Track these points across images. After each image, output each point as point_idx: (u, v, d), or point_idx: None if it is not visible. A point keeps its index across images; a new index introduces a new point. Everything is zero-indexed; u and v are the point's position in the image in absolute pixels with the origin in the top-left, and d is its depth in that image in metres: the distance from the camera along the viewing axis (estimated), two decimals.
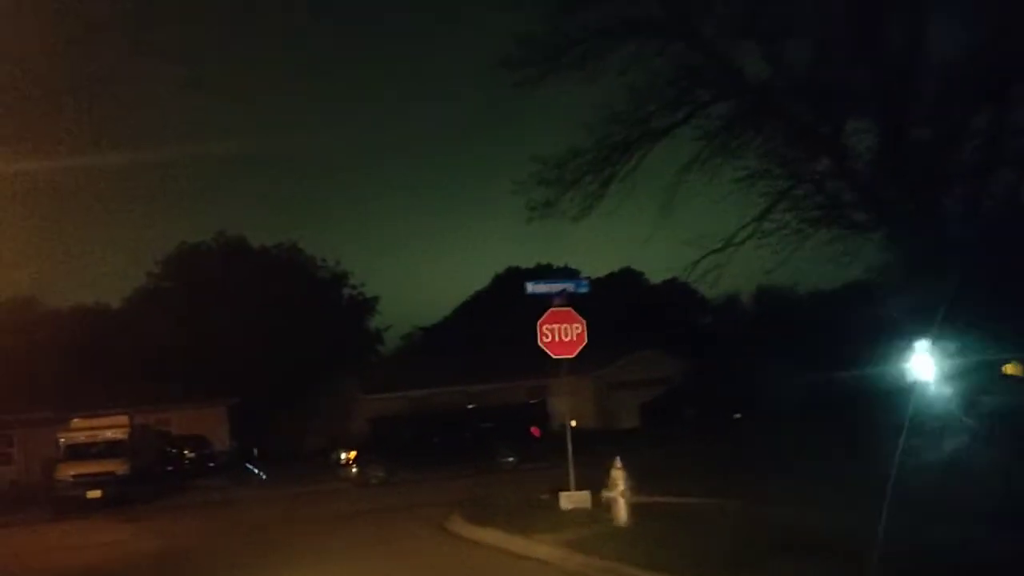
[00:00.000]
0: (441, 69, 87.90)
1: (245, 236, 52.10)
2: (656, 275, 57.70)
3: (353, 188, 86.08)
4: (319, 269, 53.77)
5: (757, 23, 15.26)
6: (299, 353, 44.61)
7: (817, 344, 34.83)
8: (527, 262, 56.17)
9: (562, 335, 13.05)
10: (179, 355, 39.55)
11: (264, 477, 29.24)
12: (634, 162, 16.35)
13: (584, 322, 13.17)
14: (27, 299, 43.39)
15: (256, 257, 50.93)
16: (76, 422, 26.03)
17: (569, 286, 13.38)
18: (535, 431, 25.26)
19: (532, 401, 35.03)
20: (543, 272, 46.63)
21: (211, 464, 34.20)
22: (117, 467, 23.65)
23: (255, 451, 39.94)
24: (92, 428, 25.41)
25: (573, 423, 34.82)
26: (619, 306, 44.25)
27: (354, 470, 23.53)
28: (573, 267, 46.81)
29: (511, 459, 23.93)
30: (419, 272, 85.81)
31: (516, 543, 10.71)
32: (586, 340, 13.12)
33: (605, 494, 10.52)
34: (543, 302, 13.24)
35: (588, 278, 13.67)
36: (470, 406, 31.96)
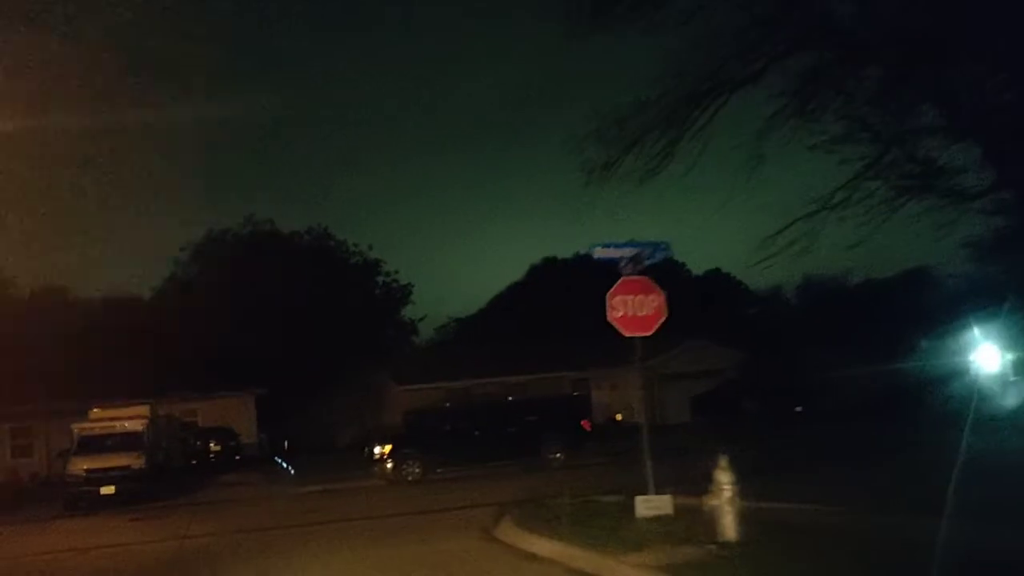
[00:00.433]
0: (477, 49, 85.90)
1: (273, 221, 50.75)
2: (697, 266, 56.27)
3: (390, 179, 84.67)
4: (352, 255, 52.13)
5: None
6: (330, 342, 42.90)
7: (873, 334, 32.90)
8: (565, 253, 55.00)
9: (637, 308, 10.83)
10: (207, 344, 37.95)
11: (292, 472, 27.44)
12: (707, 117, 14.39)
13: (663, 294, 10.91)
14: (59, 288, 42.59)
15: (286, 243, 49.39)
16: (94, 412, 24.51)
17: (645, 250, 10.89)
18: (586, 424, 23.28)
19: (575, 393, 33.14)
20: (583, 263, 44.34)
21: (237, 457, 32.73)
22: (133, 461, 21.96)
23: (286, 444, 38.41)
24: (109, 419, 23.79)
25: (619, 416, 32.18)
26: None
27: (389, 465, 21.65)
28: None
29: (559, 455, 22.08)
30: (453, 264, 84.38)
31: (591, 562, 8.52)
32: (665, 314, 10.91)
33: (706, 501, 8.34)
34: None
35: (667, 243, 11.17)
36: (511, 398, 30.05)
